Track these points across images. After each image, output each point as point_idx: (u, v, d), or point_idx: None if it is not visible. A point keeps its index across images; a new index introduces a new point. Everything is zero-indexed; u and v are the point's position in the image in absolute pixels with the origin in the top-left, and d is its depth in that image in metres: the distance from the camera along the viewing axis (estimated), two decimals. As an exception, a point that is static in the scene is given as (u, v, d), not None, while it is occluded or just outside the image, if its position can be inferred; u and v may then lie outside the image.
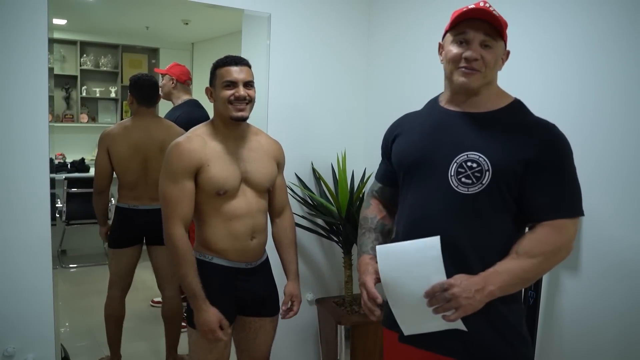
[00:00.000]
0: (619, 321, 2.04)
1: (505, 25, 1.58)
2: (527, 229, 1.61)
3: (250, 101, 2.10)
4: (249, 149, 2.18)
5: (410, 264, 1.52)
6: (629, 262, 2.01)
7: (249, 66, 2.14)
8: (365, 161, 3.54)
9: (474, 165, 1.51)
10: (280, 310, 2.31)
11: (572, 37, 2.20)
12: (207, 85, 2.17)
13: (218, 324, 2.04)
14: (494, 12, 1.53)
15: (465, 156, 1.52)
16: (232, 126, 2.13)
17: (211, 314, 2.03)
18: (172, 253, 2.04)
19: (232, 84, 2.06)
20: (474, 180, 1.51)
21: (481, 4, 1.55)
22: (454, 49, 1.57)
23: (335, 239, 3.29)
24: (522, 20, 2.39)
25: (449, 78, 1.62)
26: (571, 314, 2.23)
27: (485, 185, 1.50)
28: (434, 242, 1.48)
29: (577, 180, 1.53)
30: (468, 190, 1.52)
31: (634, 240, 1.99)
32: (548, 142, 1.50)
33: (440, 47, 1.66)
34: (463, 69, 1.55)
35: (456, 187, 1.53)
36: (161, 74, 3.79)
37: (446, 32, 1.63)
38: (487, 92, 1.59)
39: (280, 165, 2.32)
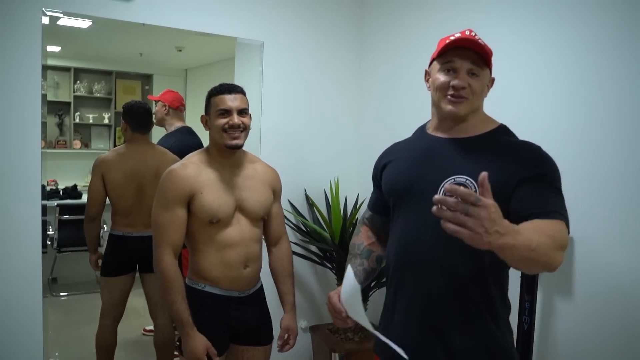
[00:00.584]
0: (613, 345, 2.03)
1: (491, 53, 1.60)
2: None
3: (244, 129, 2.10)
4: (244, 176, 2.18)
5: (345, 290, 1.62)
6: (622, 286, 2.01)
7: (244, 94, 2.14)
8: (358, 187, 3.54)
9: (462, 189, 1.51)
10: (277, 344, 2.28)
11: (563, 56, 2.23)
12: (202, 111, 2.17)
13: (205, 352, 2.01)
14: (480, 41, 1.55)
15: (453, 180, 1.53)
16: (227, 154, 2.13)
17: (198, 341, 2.01)
18: (161, 279, 2.03)
19: (226, 112, 2.07)
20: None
21: (467, 33, 1.57)
22: (442, 77, 1.58)
23: (329, 265, 3.28)
24: (511, 39, 2.42)
25: (436, 105, 1.63)
26: (566, 338, 2.21)
27: None
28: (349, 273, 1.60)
29: (564, 200, 1.50)
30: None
31: (626, 263, 1.99)
32: (535, 160, 1.50)
33: (427, 74, 1.67)
34: (450, 97, 1.56)
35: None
36: (154, 100, 3.79)
37: (433, 59, 1.65)
38: (474, 118, 1.60)
39: (276, 193, 2.31)
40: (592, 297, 2.11)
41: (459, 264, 1.53)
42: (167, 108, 3.70)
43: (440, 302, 1.55)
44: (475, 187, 1.49)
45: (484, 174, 1.21)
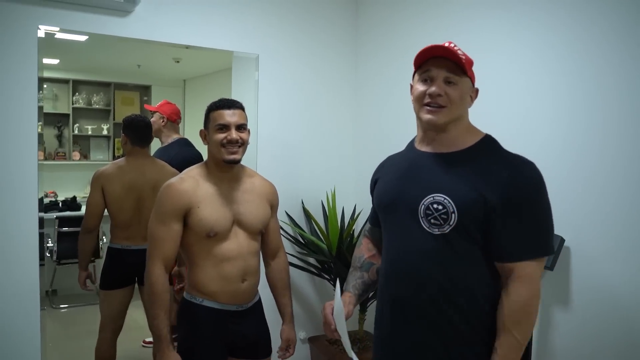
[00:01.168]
0: (611, 354, 2.03)
1: (470, 63, 1.60)
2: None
3: (242, 144, 2.11)
4: (242, 190, 2.18)
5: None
6: (619, 295, 2.01)
7: (243, 109, 2.16)
8: (355, 198, 3.54)
9: (440, 207, 1.52)
10: (277, 354, 2.30)
11: (563, 60, 2.24)
12: (200, 121, 2.18)
13: None
14: (456, 50, 1.56)
15: (432, 198, 1.54)
16: (226, 168, 2.14)
17: (172, 359, 2.02)
18: (148, 292, 2.03)
19: (225, 127, 2.07)
20: (441, 221, 1.52)
21: (446, 44, 1.58)
22: (420, 87, 1.60)
23: (327, 276, 3.27)
24: (509, 45, 2.43)
25: (417, 116, 1.64)
26: (564, 348, 2.21)
27: (453, 227, 1.50)
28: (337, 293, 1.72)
29: (547, 218, 1.52)
30: (438, 231, 1.53)
31: (623, 272, 1.99)
32: (515, 181, 1.49)
33: (411, 87, 1.68)
34: (428, 107, 1.57)
35: (427, 228, 1.55)
36: (151, 111, 3.78)
37: (415, 73, 1.66)
38: (456, 129, 1.61)
39: (273, 207, 2.31)
40: (590, 306, 2.11)
41: (442, 278, 1.54)
42: (164, 120, 3.71)
43: (424, 315, 1.56)
44: (453, 207, 1.50)
45: None
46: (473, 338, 1.53)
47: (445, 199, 1.52)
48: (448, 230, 1.51)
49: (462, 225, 1.50)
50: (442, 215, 1.51)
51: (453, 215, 1.50)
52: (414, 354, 1.60)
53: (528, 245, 1.47)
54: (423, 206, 1.55)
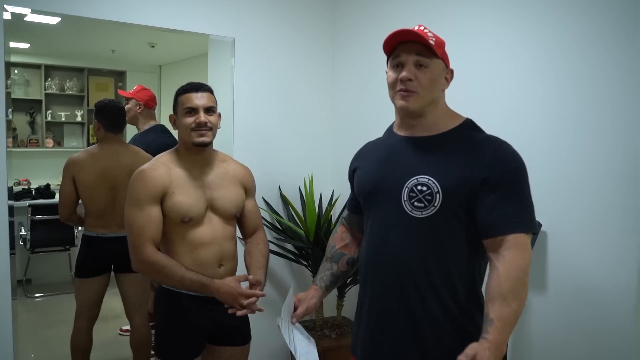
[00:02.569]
0: (585, 338, 2.04)
1: (441, 44, 1.59)
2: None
3: (212, 127, 2.09)
4: (215, 175, 2.16)
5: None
6: (594, 280, 2.02)
7: (211, 92, 2.13)
8: (332, 184, 3.53)
9: (424, 188, 1.51)
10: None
11: (552, 52, 2.23)
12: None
13: (239, 286, 2.05)
14: (424, 32, 1.55)
15: (415, 180, 1.53)
16: (196, 152, 2.11)
17: (227, 284, 2.04)
18: (156, 271, 2.00)
19: (193, 111, 2.06)
20: (425, 203, 1.51)
21: (416, 28, 1.57)
22: (392, 74, 1.59)
23: (305, 262, 3.26)
24: (490, 32, 2.42)
25: (392, 103, 1.63)
26: (539, 332, 2.22)
27: (437, 208, 1.49)
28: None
29: (530, 197, 1.51)
30: (422, 214, 1.51)
31: (598, 258, 2.00)
32: (499, 158, 1.49)
33: (387, 74, 1.66)
34: (400, 92, 1.56)
35: (410, 211, 1.53)
36: (126, 96, 3.71)
37: (388, 59, 1.65)
38: (433, 113, 1.59)
39: (249, 190, 2.29)
40: (565, 291, 2.12)
41: (425, 264, 1.53)
42: (141, 107, 3.65)
43: (406, 301, 1.55)
44: (437, 187, 1.49)
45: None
46: (451, 324, 1.52)
47: (429, 179, 1.51)
48: (432, 211, 1.50)
49: (446, 206, 1.49)
50: (427, 197, 1.50)
51: (438, 195, 1.49)
52: (393, 340, 1.59)
53: (518, 218, 1.46)
54: (407, 189, 1.54)
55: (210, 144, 2.11)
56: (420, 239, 1.53)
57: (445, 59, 1.59)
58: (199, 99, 2.06)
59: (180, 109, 2.08)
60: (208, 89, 2.12)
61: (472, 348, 1.32)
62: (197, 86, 2.09)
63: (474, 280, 1.56)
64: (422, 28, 1.57)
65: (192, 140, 2.06)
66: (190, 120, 2.05)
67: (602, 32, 2.00)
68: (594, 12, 2.03)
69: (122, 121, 3.20)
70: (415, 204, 1.52)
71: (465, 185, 1.47)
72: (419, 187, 1.51)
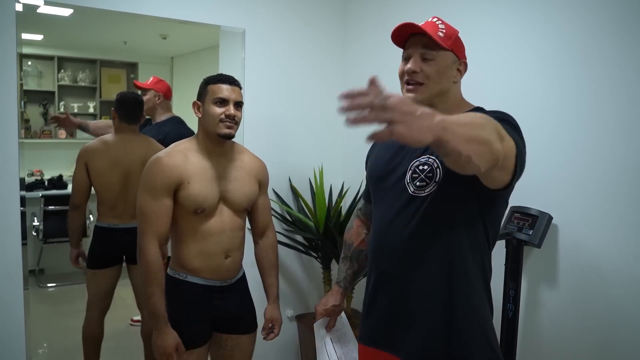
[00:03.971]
0: (597, 331, 2.04)
1: (451, 35, 1.57)
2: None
3: (238, 122, 2.10)
4: (231, 167, 2.17)
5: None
6: (605, 274, 2.01)
7: (241, 88, 2.15)
8: (343, 175, 3.52)
9: (425, 167, 1.53)
10: (261, 334, 2.30)
11: (553, 45, 2.21)
12: (189, 99, 2.16)
13: (175, 348, 2.01)
14: (433, 24, 1.55)
15: (418, 161, 1.56)
16: (217, 143, 2.12)
17: (170, 337, 2.00)
18: (143, 269, 2.01)
19: (224, 102, 2.06)
20: (427, 181, 1.52)
21: (429, 20, 1.59)
22: (400, 66, 1.61)
23: (314, 254, 3.26)
24: (497, 28, 2.40)
25: (402, 94, 1.62)
26: (550, 325, 2.21)
27: (438, 183, 1.50)
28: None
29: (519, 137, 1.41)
30: (424, 192, 1.53)
31: (610, 252, 1.99)
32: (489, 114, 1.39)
33: None
34: (407, 85, 1.57)
35: (413, 192, 1.55)
36: (144, 88, 3.71)
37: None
38: (444, 103, 1.59)
39: (263, 185, 2.30)
40: (576, 284, 2.11)
41: (429, 251, 1.54)
42: (160, 97, 3.65)
43: (409, 289, 1.57)
44: (437, 163, 1.51)
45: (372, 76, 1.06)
46: (457, 312, 1.52)
47: (429, 157, 1.53)
48: (434, 187, 1.50)
49: (447, 181, 1.49)
50: (428, 174, 1.52)
51: (438, 170, 1.50)
52: (393, 330, 1.61)
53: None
54: (410, 171, 1.56)
55: (234, 136, 2.12)
56: (422, 217, 1.54)
57: (455, 51, 1.58)
58: (231, 92, 2.07)
59: (210, 97, 2.07)
60: (239, 85, 2.13)
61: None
62: (231, 79, 2.11)
63: (476, 262, 1.55)
64: (434, 20, 1.58)
65: (218, 131, 2.06)
66: (219, 110, 2.05)
67: (605, 25, 1.99)
68: (596, 5, 2.01)
69: (137, 113, 3.23)
70: (417, 183, 1.54)
71: None
72: (421, 167, 1.54)
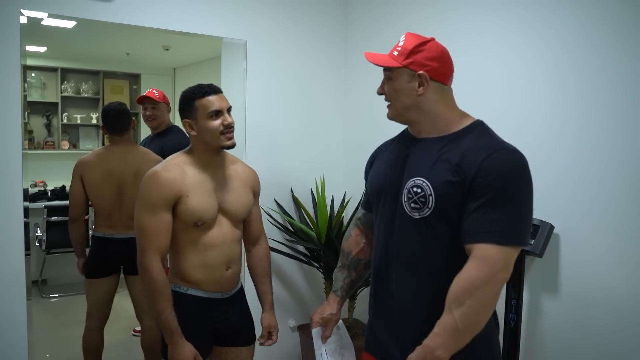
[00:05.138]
0: (599, 341, 2.03)
1: (405, 51, 1.58)
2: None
3: (234, 128, 2.09)
4: (226, 178, 2.15)
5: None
6: (607, 283, 2.00)
7: (222, 92, 2.12)
8: (344, 186, 3.53)
9: (419, 190, 1.52)
10: (257, 341, 2.28)
11: (554, 51, 2.22)
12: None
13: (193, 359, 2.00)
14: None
15: (413, 182, 1.55)
16: (214, 156, 2.11)
17: (187, 350, 1.98)
18: (149, 287, 1.97)
19: (219, 113, 2.04)
20: (420, 205, 1.52)
21: (402, 37, 1.64)
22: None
23: (316, 264, 3.27)
24: (499, 34, 2.42)
25: None
26: (552, 334, 2.21)
27: (432, 210, 1.50)
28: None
29: (521, 206, 1.45)
30: (419, 215, 1.53)
31: (611, 261, 1.99)
32: (487, 165, 1.44)
33: None
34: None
35: (409, 212, 1.55)
36: (157, 101, 3.67)
37: None
38: (423, 118, 1.60)
39: (256, 194, 2.29)
40: (578, 293, 2.11)
41: (424, 264, 1.55)
42: (170, 109, 3.67)
43: (407, 302, 1.58)
44: (430, 189, 1.50)
45: None
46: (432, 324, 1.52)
47: (424, 182, 1.52)
48: (427, 213, 1.51)
49: (439, 208, 1.49)
50: (421, 199, 1.51)
51: (430, 198, 1.50)
52: (395, 340, 1.62)
53: (491, 228, 1.41)
54: (405, 190, 1.56)
55: (235, 145, 2.11)
56: (421, 239, 1.54)
57: (411, 65, 1.56)
58: (220, 101, 2.05)
59: (203, 112, 2.03)
60: (222, 90, 2.11)
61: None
62: (214, 88, 2.07)
63: None
64: (402, 38, 1.63)
65: (221, 144, 2.05)
66: (217, 123, 2.02)
67: (605, 31, 2.00)
68: (596, 11, 2.03)
69: (122, 122, 3.19)
70: (412, 205, 1.54)
71: (453, 189, 1.47)
72: (415, 189, 1.53)
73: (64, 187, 5.50)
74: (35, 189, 5.55)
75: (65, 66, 6.00)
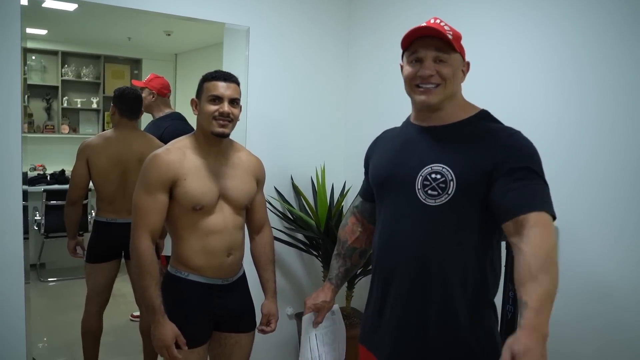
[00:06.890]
0: (596, 333, 2.03)
1: (458, 37, 1.58)
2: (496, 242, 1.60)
3: (233, 119, 2.07)
4: (229, 165, 2.15)
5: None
6: (606, 276, 2.00)
7: (238, 84, 2.11)
8: (344, 174, 3.52)
9: (438, 176, 1.51)
10: (257, 329, 2.28)
11: (556, 47, 2.21)
12: (192, 96, 2.15)
13: (174, 340, 1.99)
14: (442, 27, 1.54)
15: (430, 169, 1.53)
16: (214, 141, 2.10)
17: (168, 329, 1.98)
18: (136, 264, 2.00)
19: (218, 99, 2.03)
20: (439, 191, 1.50)
21: (432, 21, 1.57)
22: (409, 69, 1.59)
23: (315, 252, 3.27)
24: (501, 30, 2.40)
25: (410, 97, 1.63)
26: (551, 329, 2.19)
27: (451, 196, 1.49)
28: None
29: (547, 183, 1.47)
30: (435, 202, 1.51)
31: (610, 253, 1.99)
32: (512, 144, 1.48)
33: (401, 67, 1.67)
34: (420, 88, 1.56)
35: (424, 200, 1.53)
36: (139, 86, 3.72)
37: (403, 53, 1.64)
38: (451, 105, 1.59)
39: (260, 182, 2.29)
40: (577, 287, 2.11)
41: (437, 254, 1.53)
42: (154, 95, 3.66)
43: (419, 292, 1.56)
44: (452, 175, 1.49)
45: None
46: (458, 315, 1.52)
47: (443, 168, 1.51)
48: (446, 199, 1.50)
49: (460, 194, 1.48)
50: (441, 184, 1.50)
51: (452, 183, 1.49)
52: (400, 329, 1.60)
53: (538, 199, 1.40)
54: (421, 177, 1.54)
55: (228, 135, 2.10)
56: (433, 227, 1.53)
57: (462, 53, 1.59)
58: (225, 89, 2.04)
59: (205, 95, 2.05)
60: (236, 81, 2.10)
61: (507, 347, 1.21)
62: (226, 76, 2.07)
63: (484, 273, 1.54)
64: (438, 21, 1.57)
65: (211, 129, 2.04)
66: (213, 108, 2.03)
67: (605, 24, 1.99)
68: (598, 6, 2.01)
69: (136, 108, 3.24)
70: (429, 192, 1.52)
71: (479, 172, 1.47)
72: (433, 176, 1.52)
73: (63, 171, 5.50)
74: (35, 173, 5.55)
75: (66, 49, 5.99)
